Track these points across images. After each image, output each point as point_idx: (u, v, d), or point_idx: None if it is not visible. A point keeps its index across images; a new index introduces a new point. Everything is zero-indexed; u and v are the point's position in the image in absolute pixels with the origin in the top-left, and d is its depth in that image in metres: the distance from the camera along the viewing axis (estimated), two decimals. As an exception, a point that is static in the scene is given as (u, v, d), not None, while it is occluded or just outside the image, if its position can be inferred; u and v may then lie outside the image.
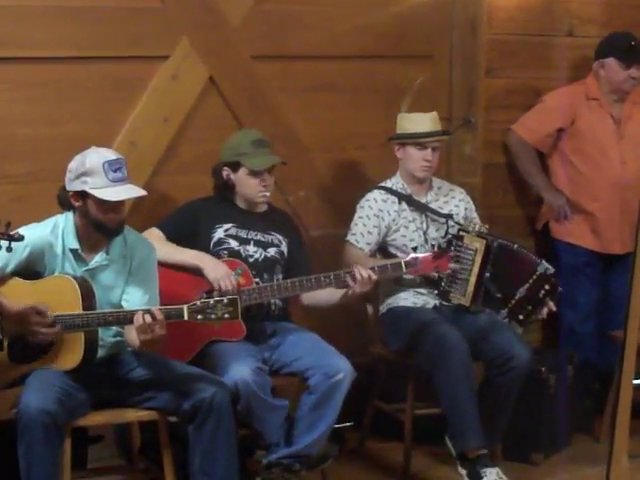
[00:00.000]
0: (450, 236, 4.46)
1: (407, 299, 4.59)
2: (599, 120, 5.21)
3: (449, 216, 4.59)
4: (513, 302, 4.33)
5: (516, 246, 4.40)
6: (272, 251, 4.37)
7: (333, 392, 4.05)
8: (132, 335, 3.69)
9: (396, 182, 4.65)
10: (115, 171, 3.71)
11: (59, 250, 3.79)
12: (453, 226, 4.54)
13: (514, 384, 4.38)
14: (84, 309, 3.66)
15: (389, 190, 4.62)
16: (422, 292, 4.60)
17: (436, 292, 4.50)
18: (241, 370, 3.93)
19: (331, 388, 4.05)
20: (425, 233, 4.60)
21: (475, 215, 4.72)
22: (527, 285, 4.31)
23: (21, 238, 3.49)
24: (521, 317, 4.34)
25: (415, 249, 4.44)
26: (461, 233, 4.42)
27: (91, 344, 3.70)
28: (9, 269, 3.74)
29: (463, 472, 4.27)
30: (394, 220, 4.59)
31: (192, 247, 4.26)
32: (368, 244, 4.56)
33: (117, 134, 4.52)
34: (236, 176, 4.33)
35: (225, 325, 3.76)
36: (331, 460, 4.26)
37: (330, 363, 4.08)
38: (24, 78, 4.34)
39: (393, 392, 4.77)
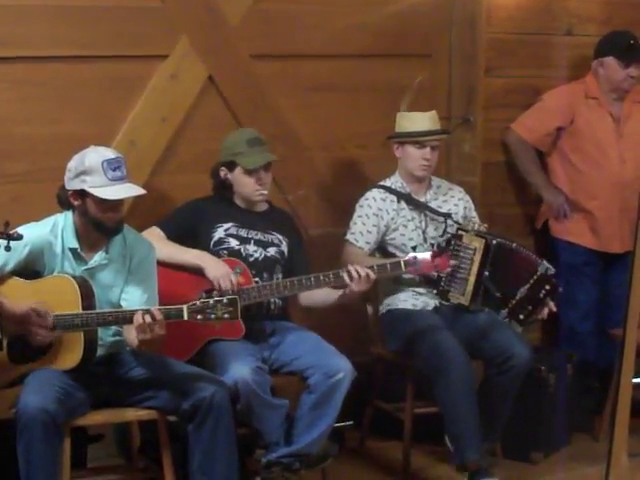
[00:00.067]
0: (449, 235, 4.45)
1: (406, 301, 4.59)
2: (598, 119, 5.21)
3: (448, 215, 4.59)
4: (514, 302, 4.32)
5: (515, 245, 4.40)
6: (272, 251, 4.37)
7: (333, 391, 4.05)
8: (131, 334, 3.69)
9: (395, 181, 4.65)
10: (114, 170, 3.71)
11: (58, 249, 3.79)
12: (452, 225, 4.54)
13: (514, 383, 4.38)
14: (83, 309, 3.66)
15: (388, 189, 4.62)
16: (421, 292, 4.59)
17: (435, 291, 4.50)
18: (241, 369, 3.93)
19: (331, 387, 4.05)
20: (424, 232, 4.60)
21: (474, 214, 4.72)
22: (528, 285, 4.30)
23: (20, 237, 3.49)
24: (521, 317, 4.33)
25: (414, 248, 4.44)
26: (460, 232, 4.41)
27: (90, 344, 3.69)
28: (8, 268, 3.74)
29: None
30: (393, 219, 4.59)
31: (192, 246, 4.26)
32: (367, 243, 4.56)
33: (116, 133, 4.52)
34: (233, 175, 4.33)
35: (224, 324, 3.76)
36: (331, 459, 4.26)
37: (330, 362, 4.08)
38: (23, 77, 4.34)
39: (393, 391, 4.76)
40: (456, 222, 4.56)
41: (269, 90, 4.83)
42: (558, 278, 4.40)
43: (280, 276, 4.34)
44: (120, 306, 3.81)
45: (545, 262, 4.33)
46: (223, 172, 4.35)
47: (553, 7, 5.42)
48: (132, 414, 3.88)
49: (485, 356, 4.41)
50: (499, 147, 5.40)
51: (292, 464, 4.07)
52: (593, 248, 5.27)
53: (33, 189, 4.34)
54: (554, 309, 4.35)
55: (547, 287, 4.31)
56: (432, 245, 4.47)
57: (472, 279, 4.35)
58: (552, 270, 4.32)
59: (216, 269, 4.16)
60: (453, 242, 4.37)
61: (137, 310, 3.61)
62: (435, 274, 4.38)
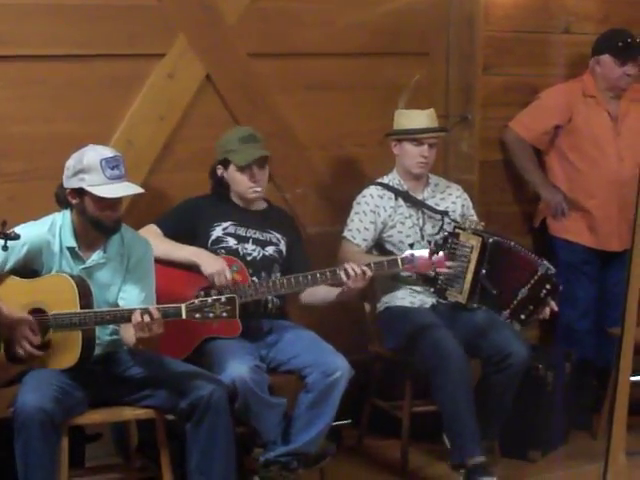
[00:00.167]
0: (446, 233, 4.45)
1: (404, 298, 4.59)
2: (596, 117, 5.21)
3: (445, 213, 4.60)
4: (515, 302, 4.30)
5: (513, 243, 4.39)
6: (270, 250, 4.37)
7: (331, 390, 4.05)
8: (128, 333, 3.70)
9: (393, 178, 4.66)
10: (112, 168, 3.71)
11: (56, 248, 3.79)
12: (449, 223, 4.54)
13: (512, 381, 4.38)
14: (81, 307, 3.66)
15: (385, 186, 4.62)
16: (419, 290, 4.60)
17: (432, 290, 4.50)
18: (239, 368, 3.92)
19: (329, 386, 4.05)
20: (421, 230, 4.60)
21: (473, 212, 4.72)
22: (529, 286, 4.29)
23: (17, 237, 3.49)
24: (523, 317, 4.32)
25: (412, 246, 4.44)
26: (457, 230, 4.41)
27: (88, 343, 3.69)
28: (6, 268, 3.74)
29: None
30: (390, 216, 4.59)
31: (190, 244, 4.26)
32: (364, 240, 4.56)
33: (114, 132, 4.52)
34: (227, 173, 4.34)
35: (221, 323, 3.76)
36: (329, 458, 4.26)
37: (327, 361, 4.08)
38: (20, 76, 4.33)
39: (391, 390, 4.77)
40: (453, 220, 4.56)
41: (267, 89, 4.83)
42: (557, 277, 4.40)
43: (278, 275, 4.34)
44: (118, 305, 3.81)
45: (545, 262, 4.31)
46: (220, 170, 4.35)
47: (551, 5, 5.43)
48: (130, 413, 3.88)
49: (483, 354, 4.41)
50: (497, 145, 5.40)
51: (290, 463, 4.07)
52: (591, 246, 5.27)
53: (31, 188, 4.33)
54: (555, 309, 4.33)
55: (548, 287, 4.30)
56: (429, 243, 4.47)
57: (469, 277, 4.34)
58: (553, 270, 4.31)
59: (212, 265, 4.15)
60: (450, 240, 4.37)
61: (135, 309, 3.60)
62: (432, 272, 4.38)
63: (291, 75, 4.89)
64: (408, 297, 4.59)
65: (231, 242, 4.31)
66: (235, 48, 4.74)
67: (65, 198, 3.79)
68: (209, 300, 3.56)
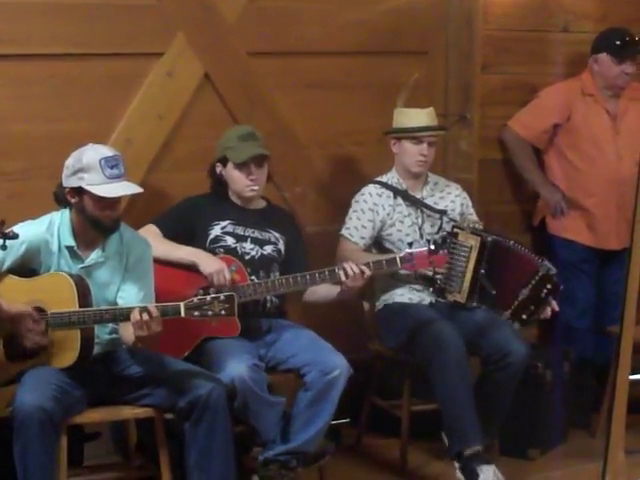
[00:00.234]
0: (444, 233, 4.45)
1: (403, 295, 4.60)
2: (595, 116, 5.21)
3: (443, 212, 4.60)
4: (516, 303, 4.30)
5: (512, 243, 4.39)
6: (269, 249, 4.36)
7: (329, 389, 4.05)
8: (127, 332, 3.70)
9: (391, 177, 4.66)
10: (112, 168, 3.71)
11: (55, 247, 3.79)
12: (448, 222, 4.54)
13: (511, 380, 4.38)
14: (80, 306, 3.66)
15: (384, 185, 4.62)
16: (418, 289, 4.60)
17: (431, 289, 4.50)
18: (238, 367, 3.92)
19: (327, 385, 4.05)
20: (420, 228, 4.60)
21: (472, 211, 4.72)
22: (530, 286, 4.28)
23: (15, 236, 3.49)
24: (524, 317, 4.32)
25: (411, 244, 4.44)
26: (455, 230, 4.41)
27: (87, 341, 3.69)
28: (5, 266, 3.74)
29: (459, 470, 4.26)
30: (389, 215, 4.59)
31: (189, 244, 4.26)
32: (362, 238, 4.56)
33: (113, 131, 4.52)
34: (226, 171, 4.34)
35: (220, 323, 3.76)
36: (328, 457, 4.26)
37: (326, 360, 4.08)
38: (19, 75, 4.33)
39: (390, 388, 4.77)
40: (452, 219, 4.56)
41: (265, 87, 4.83)
42: (558, 277, 4.39)
43: (277, 274, 4.34)
44: (117, 304, 3.81)
45: (547, 262, 4.30)
46: (219, 168, 4.36)
47: (549, 4, 5.43)
48: (129, 412, 3.88)
49: (482, 353, 4.41)
50: (496, 144, 5.40)
51: (289, 462, 4.07)
52: (590, 245, 5.27)
53: (30, 187, 4.34)
54: (557, 308, 4.33)
55: (549, 286, 4.29)
56: (428, 242, 4.47)
57: (468, 276, 4.35)
58: (554, 270, 4.30)
59: (211, 265, 4.15)
60: (449, 240, 4.37)
61: (134, 307, 3.60)
62: (431, 272, 4.38)
63: (290, 74, 4.89)
64: (407, 294, 4.59)
65: (229, 241, 4.31)
66: (234, 47, 4.74)
67: (64, 197, 3.79)
68: (208, 298, 3.56)
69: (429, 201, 4.64)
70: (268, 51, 4.81)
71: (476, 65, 5.26)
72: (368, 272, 4.10)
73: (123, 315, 3.62)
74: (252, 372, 3.94)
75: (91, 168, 3.69)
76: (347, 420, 4.83)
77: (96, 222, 3.76)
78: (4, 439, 3.64)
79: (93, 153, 3.73)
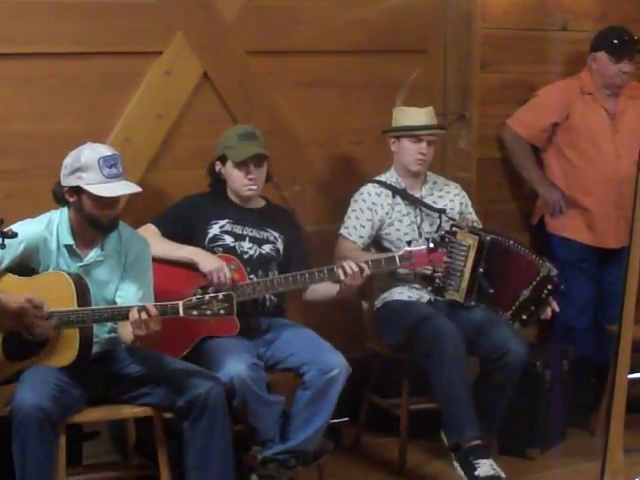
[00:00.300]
0: (443, 232, 4.45)
1: (402, 293, 4.60)
2: (594, 114, 5.21)
3: (442, 211, 4.60)
4: (517, 304, 4.29)
5: (512, 242, 4.38)
6: (267, 248, 4.36)
7: (328, 388, 4.05)
8: (125, 331, 3.69)
9: (390, 176, 4.66)
10: (110, 167, 3.71)
11: (53, 246, 3.79)
12: (447, 221, 4.54)
13: (510, 379, 4.38)
14: (79, 305, 3.65)
15: (383, 184, 4.63)
16: (416, 287, 4.60)
17: (430, 288, 4.50)
18: (237, 366, 3.92)
19: (326, 384, 4.04)
20: (419, 227, 4.60)
21: (471, 210, 4.72)
22: (531, 287, 4.27)
23: (14, 235, 3.48)
24: (524, 317, 4.31)
25: (409, 243, 4.44)
26: (454, 229, 4.41)
27: (86, 340, 3.69)
28: (3, 265, 3.74)
29: (457, 463, 4.26)
30: (387, 214, 4.59)
31: (188, 243, 4.26)
32: (361, 237, 4.56)
33: (111, 130, 4.52)
34: (225, 169, 4.34)
35: (219, 322, 3.76)
36: (327, 456, 4.26)
37: (325, 359, 4.08)
38: (18, 74, 4.33)
39: (388, 387, 4.77)
40: (450, 218, 4.56)
41: (264, 86, 4.83)
42: (558, 277, 4.38)
43: (276, 273, 4.33)
44: (115, 303, 3.81)
45: (547, 263, 4.29)
46: (218, 166, 4.36)
47: (548, 3, 5.42)
48: (127, 411, 3.88)
49: (481, 352, 4.41)
50: (494, 143, 5.40)
51: (288, 461, 4.07)
52: (589, 244, 5.27)
53: (28, 186, 4.33)
54: (557, 309, 4.32)
55: (549, 287, 4.28)
56: (427, 240, 4.47)
57: (467, 275, 4.34)
58: (555, 271, 4.29)
59: (210, 263, 4.15)
60: (447, 239, 4.37)
61: (133, 306, 3.60)
62: (430, 270, 4.38)
63: (289, 73, 4.89)
64: (406, 292, 4.60)
65: (228, 240, 4.31)
66: (233, 46, 4.74)
67: (63, 196, 3.79)
68: (206, 297, 3.56)
69: (428, 200, 4.64)
70: (267, 50, 4.81)
71: (475, 64, 5.26)
72: (367, 270, 4.10)
73: (122, 314, 3.62)
74: (251, 371, 3.93)
75: (89, 167, 3.69)
76: (346, 419, 4.82)
77: (94, 221, 3.76)
78: (3, 438, 3.64)
79: (91, 152, 3.73)
